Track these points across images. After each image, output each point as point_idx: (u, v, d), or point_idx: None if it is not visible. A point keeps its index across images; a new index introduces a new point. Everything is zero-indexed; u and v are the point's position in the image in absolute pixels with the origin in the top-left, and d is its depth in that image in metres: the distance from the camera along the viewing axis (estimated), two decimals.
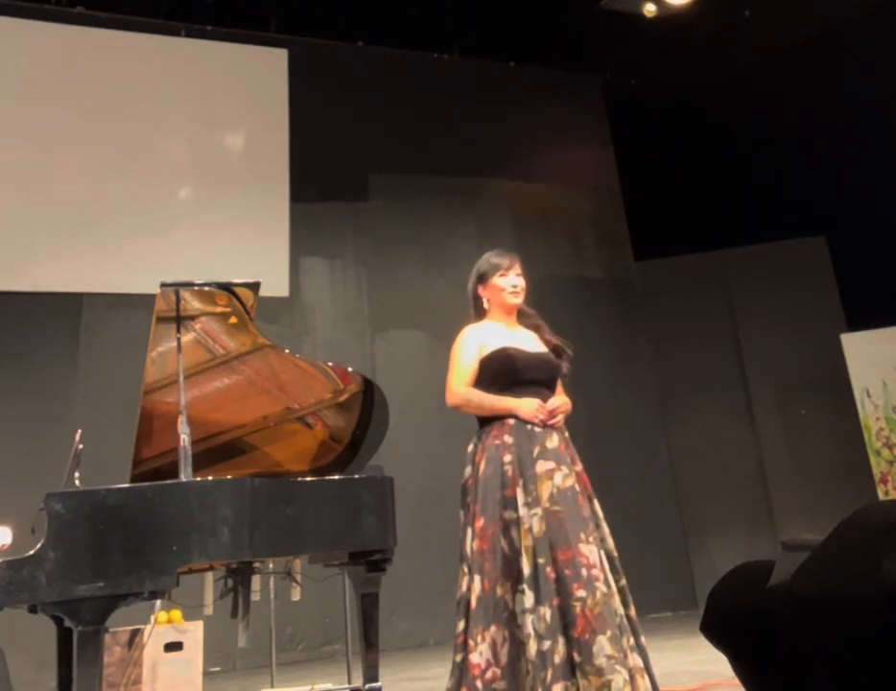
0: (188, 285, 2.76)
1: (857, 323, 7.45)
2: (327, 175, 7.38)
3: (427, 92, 7.96)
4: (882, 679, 1.38)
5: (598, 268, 8.21)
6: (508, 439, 2.65)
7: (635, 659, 2.45)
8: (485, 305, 2.89)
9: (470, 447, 2.75)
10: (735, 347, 7.98)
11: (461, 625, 2.56)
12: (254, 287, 2.83)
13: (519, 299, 2.88)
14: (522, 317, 2.94)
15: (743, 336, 7.98)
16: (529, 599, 2.43)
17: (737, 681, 1.90)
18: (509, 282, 2.86)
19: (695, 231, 8.15)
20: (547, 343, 2.88)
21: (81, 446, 2.83)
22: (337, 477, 2.96)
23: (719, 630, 1.89)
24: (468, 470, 2.71)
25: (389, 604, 3.27)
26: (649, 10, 7.65)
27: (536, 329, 2.91)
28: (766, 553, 2.13)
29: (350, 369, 3.15)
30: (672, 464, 7.76)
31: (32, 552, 2.33)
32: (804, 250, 8.08)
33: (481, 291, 2.91)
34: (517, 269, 2.89)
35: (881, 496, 6.92)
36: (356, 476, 2.97)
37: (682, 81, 8.27)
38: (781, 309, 7.85)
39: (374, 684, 2.86)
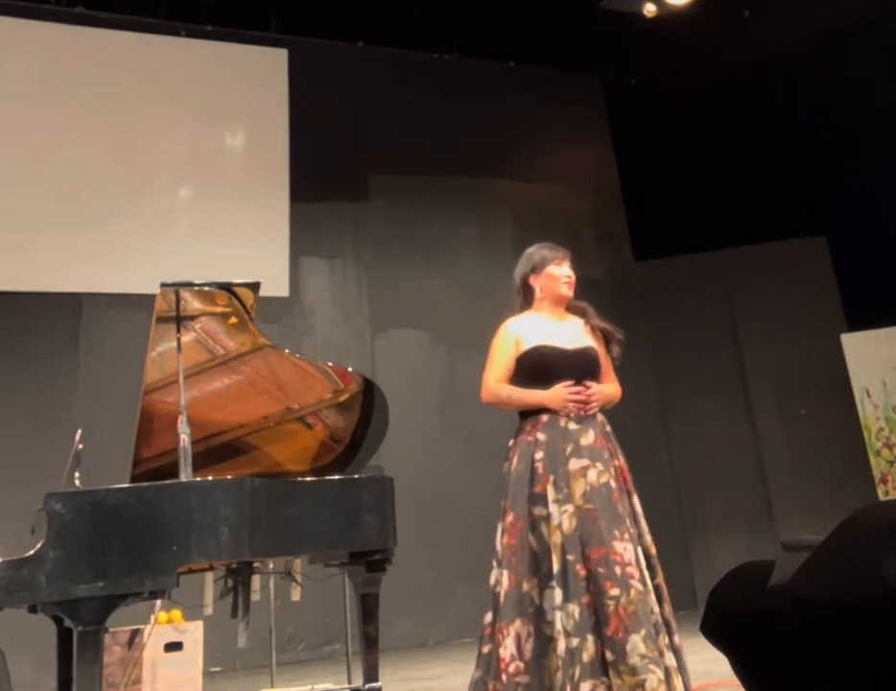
0: (188, 285, 2.76)
1: (857, 323, 7.44)
2: (327, 175, 7.37)
3: (427, 92, 7.95)
4: (882, 680, 1.38)
5: (598, 268, 8.20)
6: (541, 436, 2.65)
7: (670, 659, 2.45)
8: (537, 294, 2.89)
9: (510, 442, 2.76)
10: (735, 347, 7.97)
11: (489, 617, 2.57)
12: (254, 287, 2.83)
13: (571, 292, 2.89)
14: (569, 305, 2.93)
15: (743, 336, 7.97)
16: (558, 596, 2.43)
17: (737, 681, 1.89)
18: (564, 272, 2.88)
19: (695, 231, 8.14)
20: (593, 329, 2.87)
21: (81, 446, 2.84)
22: (337, 477, 2.96)
23: (719, 630, 1.89)
24: (504, 466, 2.72)
25: (388, 604, 3.27)
26: (649, 10, 7.65)
27: (583, 315, 2.91)
28: (766, 553, 2.13)
29: (350, 369, 3.15)
30: (672, 464, 7.75)
31: (32, 552, 2.33)
32: (804, 250, 8.07)
33: (532, 280, 2.91)
34: (569, 262, 2.93)
35: (881, 496, 6.92)
36: (356, 476, 2.97)
37: (682, 81, 8.26)
38: (781, 309, 7.84)
39: (374, 684, 2.87)
